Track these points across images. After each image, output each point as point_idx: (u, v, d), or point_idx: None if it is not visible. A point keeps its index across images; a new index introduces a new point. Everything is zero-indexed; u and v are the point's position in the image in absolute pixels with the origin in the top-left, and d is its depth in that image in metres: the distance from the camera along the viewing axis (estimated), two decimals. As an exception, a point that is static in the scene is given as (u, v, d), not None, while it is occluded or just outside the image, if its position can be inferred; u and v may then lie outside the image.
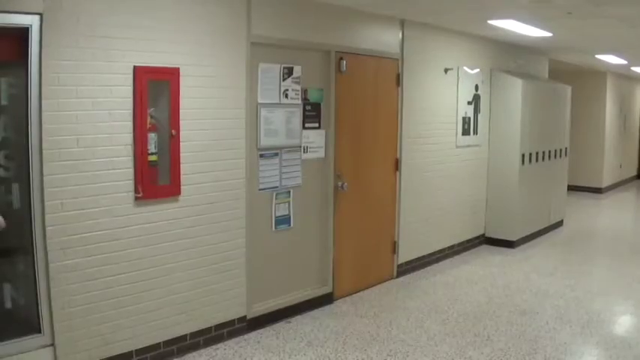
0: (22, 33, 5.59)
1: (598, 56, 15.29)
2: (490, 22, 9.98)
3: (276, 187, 8.07)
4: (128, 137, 6.33)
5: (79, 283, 6.06)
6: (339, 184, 8.84)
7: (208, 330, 7.32)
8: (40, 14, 5.63)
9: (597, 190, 19.94)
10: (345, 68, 8.68)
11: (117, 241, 6.32)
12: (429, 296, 9.33)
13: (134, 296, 6.53)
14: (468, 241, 12.13)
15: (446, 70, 10.95)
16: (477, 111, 11.99)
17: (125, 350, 6.52)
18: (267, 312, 8.02)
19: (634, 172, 24.24)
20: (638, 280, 10.32)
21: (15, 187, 5.98)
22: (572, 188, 17.78)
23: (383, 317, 8.43)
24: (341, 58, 8.67)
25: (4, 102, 5.90)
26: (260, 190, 7.86)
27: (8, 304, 6.05)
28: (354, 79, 8.96)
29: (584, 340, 7.80)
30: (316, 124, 8.49)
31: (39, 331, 5.91)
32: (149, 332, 6.72)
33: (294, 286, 8.45)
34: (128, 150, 6.34)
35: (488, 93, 12.34)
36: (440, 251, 11.22)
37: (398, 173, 10.05)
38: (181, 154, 6.80)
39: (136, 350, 6.63)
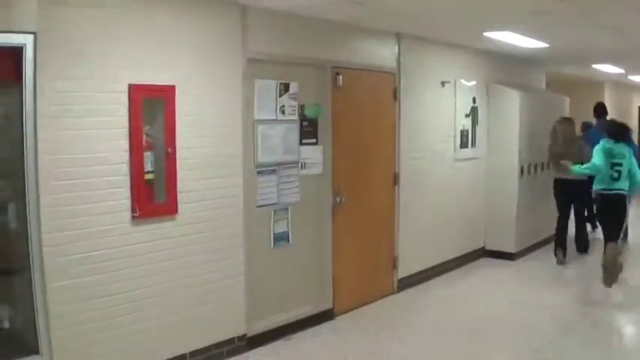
0: (17, 52, 5.56)
1: (595, 66, 15.30)
2: (486, 34, 9.97)
3: (275, 203, 8.03)
4: (124, 156, 6.29)
5: (77, 303, 6.01)
6: (338, 199, 8.81)
7: (208, 349, 7.27)
8: (34, 33, 5.60)
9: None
10: (341, 83, 8.65)
11: (114, 260, 6.28)
12: (429, 311, 9.29)
13: (133, 316, 6.48)
14: (468, 254, 12.08)
15: (443, 83, 10.93)
16: (474, 123, 11.96)
17: (125, 370, 6.49)
18: (267, 330, 7.96)
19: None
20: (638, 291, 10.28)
21: (11, 207, 5.98)
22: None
23: (384, 333, 8.39)
24: (337, 73, 8.64)
25: (-1, 122, 5.89)
26: (258, 207, 7.82)
27: (6, 325, 6.03)
28: (350, 94, 8.93)
29: (587, 352, 7.76)
30: (314, 140, 8.47)
31: (37, 351, 5.85)
32: (148, 352, 6.68)
33: (294, 303, 8.40)
34: (124, 169, 6.31)
35: (486, 105, 12.32)
36: (440, 265, 11.16)
37: (396, 187, 10.01)
38: (178, 172, 6.77)
39: (136, 370, 6.59)
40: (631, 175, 10.13)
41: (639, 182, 10.19)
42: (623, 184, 10.13)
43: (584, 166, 10.34)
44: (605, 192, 10.25)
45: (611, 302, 9.71)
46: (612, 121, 11.75)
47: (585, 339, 8.15)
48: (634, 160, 10.27)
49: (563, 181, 11.99)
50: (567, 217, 12.32)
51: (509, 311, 9.25)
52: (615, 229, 10.15)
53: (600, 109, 14.43)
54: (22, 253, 5.77)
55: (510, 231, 12.33)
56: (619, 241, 10.27)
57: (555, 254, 12.14)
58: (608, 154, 10.15)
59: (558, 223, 12.25)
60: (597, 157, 10.14)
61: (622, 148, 10.25)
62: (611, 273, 9.76)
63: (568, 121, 12.57)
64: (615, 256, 9.84)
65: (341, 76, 8.67)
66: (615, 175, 10.11)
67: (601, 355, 7.73)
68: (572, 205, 12.32)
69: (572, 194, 12.10)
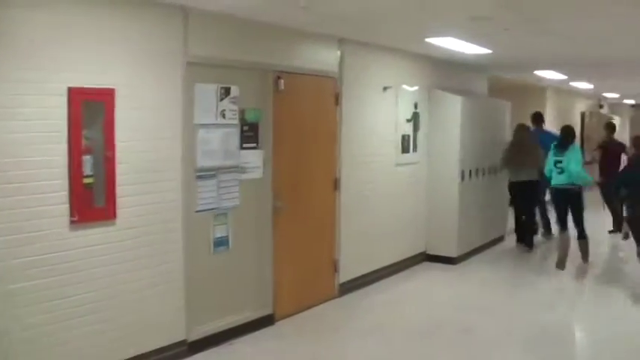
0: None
1: (537, 72, 15.46)
2: (428, 39, 10.01)
3: (214, 208, 7.99)
4: (63, 160, 6.23)
5: (30, 306, 6.01)
6: (278, 203, 8.76)
7: (148, 355, 7.21)
8: (-29, 35, 5.55)
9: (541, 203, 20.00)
10: (282, 87, 8.63)
11: (55, 265, 6.21)
12: (371, 315, 9.31)
13: (75, 321, 6.42)
14: (410, 258, 12.12)
15: (385, 89, 10.95)
16: (416, 128, 12.01)
17: (62, 378, 6.43)
18: (207, 335, 7.92)
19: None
20: (582, 292, 10.39)
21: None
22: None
23: (325, 338, 8.41)
24: (279, 77, 8.62)
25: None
26: (197, 211, 7.78)
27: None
28: (292, 98, 8.92)
29: (527, 357, 7.83)
30: (254, 145, 8.43)
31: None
32: (88, 358, 6.61)
33: (235, 308, 8.36)
34: (63, 173, 6.24)
35: (428, 110, 12.37)
36: (382, 269, 11.18)
37: (337, 192, 10.02)
38: (117, 176, 6.71)
39: (74, 377, 6.53)
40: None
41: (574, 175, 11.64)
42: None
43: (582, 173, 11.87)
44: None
45: (553, 304, 9.82)
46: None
47: (527, 342, 8.20)
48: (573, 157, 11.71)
49: (518, 184, 13.50)
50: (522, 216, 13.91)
51: (452, 315, 9.31)
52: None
53: (539, 118, 15.41)
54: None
55: (451, 235, 12.41)
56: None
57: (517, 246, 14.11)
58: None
59: (516, 221, 14.08)
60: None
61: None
62: (562, 258, 12.01)
63: (524, 128, 13.84)
64: (565, 243, 12.12)
65: (282, 80, 8.64)
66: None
67: (543, 358, 7.81)
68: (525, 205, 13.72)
69: (525, 194, 13.61)
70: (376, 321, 9.00)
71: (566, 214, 11.95)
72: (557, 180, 11.86)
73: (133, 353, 7.05)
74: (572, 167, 11.56)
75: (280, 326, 8.80)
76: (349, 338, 8.41)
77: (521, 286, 11.04)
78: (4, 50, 5.73)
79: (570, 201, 11.83)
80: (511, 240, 14.27)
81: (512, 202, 14.32)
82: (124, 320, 6.93)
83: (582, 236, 12.10)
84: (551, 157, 12.04)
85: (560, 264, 11.91)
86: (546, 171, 12.22)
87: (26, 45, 5.89)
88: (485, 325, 8.80)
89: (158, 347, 7.32)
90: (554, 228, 13.31)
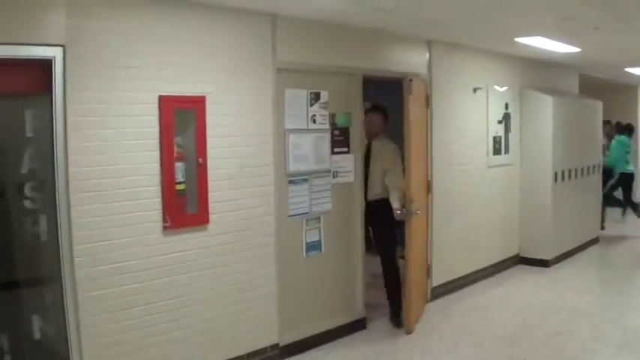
0: (47, 65, 5.59)
1: (628, 69, 15.19)
2: (517, 39, 9.91)
3: (306, 212, 8.02)
4: (155, 167, 6.32)
5: (108, 313, 6.03)
6: (415, 209, 8.67)
7: (240, 358, 7.26)
8: (63, 46, 5.64)
9: (633, 205, 19.67)
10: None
11: (145, 271, 6.30)
12: (463, 319, 9.22)
13: (164, 326, 6.49)
14: (503, 261, 11.99)
15: (475, 90, 10.86)
16: (507, 130, 11.89)
17: (157, 381, 6.50)
18: (299, 339, 7.94)
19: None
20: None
21: (42, 218, 6.01)
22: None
23: (417, 342, 8.35)
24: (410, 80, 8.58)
25: (29, 134, 5.94)
26: (290, 216, 7.82)
27: (37, 335, 6.05)
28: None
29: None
30: (345, 149, 8.45)
31: (68, 363, 5.88)
32: (179, 364, 6.69)
33: (327, 312, 8.37)
34: (155, 179, 6.33)
35: (519, 111, 12.24)
36: (474, 273, 11.09)
37: (430, 195, 9.96)
38: (209, 183, 6.78)
39: (168, 380, 6.60)
40: None
41: None
42: None
43: None
44: None
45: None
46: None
47: (620, 347, 8.06)
48: None
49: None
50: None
51: (544, 318, 9.16)
52: None
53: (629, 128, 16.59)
54: (53, 264, 5.79)
55: (545, 238, 12.23)
56: None
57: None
58: None
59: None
60: None
61: None
62: None
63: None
64: None
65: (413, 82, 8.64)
66: None
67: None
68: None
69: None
70: (468, 325, 8.91)
71: None
72: None
73: (225, 356, 7.11)
74: None
75: (372, 330, 8.76)
76: (440, 342, 8.33)
77: (615, 289, 10.86)
78: (92, 60, 5.84)
79: None
80: (604, 242, 14.08)
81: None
82: (217, 324, 6.99)
83: None
84: None
85: None
86: None
87: (115, 55, 5.99)
88: (578, 329, 8.64)
89: (250, 351, 7.36)
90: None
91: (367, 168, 8.89)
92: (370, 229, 9.10)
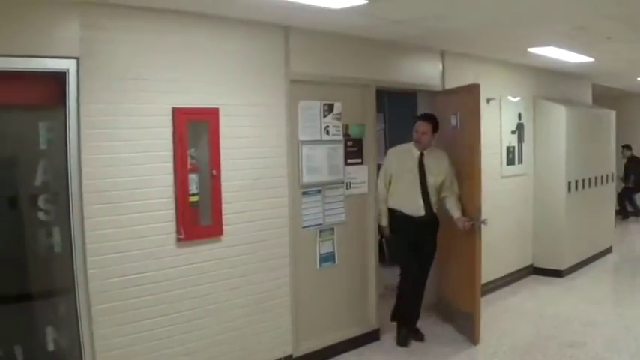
0: (60, 77, 5.62)
1: (640, 79, 15.20)
2: (530, 49, 9.90)
3: (320, 224, 8.03)
4: (169, 179, 6.33)
5: (121, 325, 6.05)
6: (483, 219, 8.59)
7: (254, 369, 7.27)
8: (77, 58, 5.67)
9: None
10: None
11: (159, 282, 6.31)
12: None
13: (178, 337, 6.50)
14: (517, 271, 11.96)
15: (488, 100, 10.82)
16: (520, 140, 11.87)
17: (170, 392, 6.50)
18: (313, 350, 7.95)
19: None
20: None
21: (56, 230, 6.01)
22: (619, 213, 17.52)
23: (431, 351, 8.33)
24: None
25: (43, 146, 5.93)
26: (304, 227, 7.83)
27: (51, 347, 6.04)
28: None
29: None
30: (359, 160, 8.46)
31: (82, 374, 5.88)
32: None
33: (341, 323, 8.37)
34: (169, 191, 6.35)
35: (532, 121, 12.22)
36: (489, 283, 11.00)
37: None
38: (223, 194, 6.79)
39: (181, 392, 6.60)
40: None
41: None
42: None
43: None
44: None
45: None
46: None
47: (633, 357, 8.03)
48: None
49: None
50: None
51: (557, 329, 9.13)
52: None
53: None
54: (67, 275, 5.81)
55: (559, 248, 12.20)
56: None
57: None
58: None
59: None
60: None
61: None
62: None
63: None
64: None
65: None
66: None
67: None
68: None
69: None
70: (482, 335, 8.79)
71: None
72: None
73: (238, 368, 7.12)
74: None
75: (386, 341, 8.74)
76: (453, 353, 8.31)
77: (629, 300, 10.81)
78: (105, 72, 5.88)
79: None
80: (617, 251, 14.04)
81: None
82: (231, 336, 7.00)
83: None
84: None
85: None
86: None
87: (128, 67, 6.03)
88: (591, 340, 8.60)
89: (265, 362, 7.38)
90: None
91: (423, 182, 8.50)
92: (411, 241, 8.50)
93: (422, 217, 8.46)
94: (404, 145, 8.74)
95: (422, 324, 8.86)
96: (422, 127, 8.48)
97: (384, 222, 8.59)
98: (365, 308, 8.72)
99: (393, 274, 8.97)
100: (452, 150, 8.80)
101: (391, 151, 8.86)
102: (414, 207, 8.47)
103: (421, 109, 9.70)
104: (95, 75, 5.78)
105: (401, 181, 8.50)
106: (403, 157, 8.59)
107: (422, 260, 8.60)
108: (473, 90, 8.50)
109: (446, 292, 9.61)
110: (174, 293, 6.44)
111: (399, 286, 8.74)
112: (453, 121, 9.09)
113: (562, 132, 12.03)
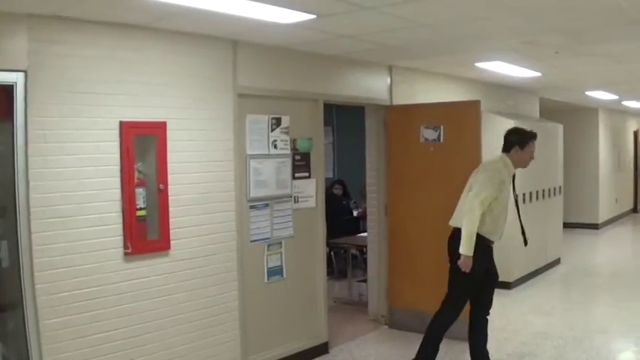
0: (7, 90, 5.60)
1: (588, 93, 15.36)
2: (477, 64, 10.01)
3: (268, 238, 8.04)
4: (116, 193, 6.32)
5: (70, 340, 6.01)
6: None
7: (203, 384, 7.27)
8: (25, 71, 5.66)
9: (594, 226, 19.91)
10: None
11: (107, 297, 6.28)
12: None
13: (126, 352, 6.47)
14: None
15: (436, 114, 10.91)
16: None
17: (118, 408, 6.47)
18: (263, 364, 7.96)
19: (630, 206, 24.23)
20: (637, 317, 10.26)
21: (3, 244, 5.98)
22: (568, 225, 17.69)
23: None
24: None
25: (-11, 159, 5.90)
26: (252, 241, 7.84)
27: (0, 362, 6.03)
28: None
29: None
30: (306, 174, 8.50)
31: (30, 389, 5.85)
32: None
33: (290, 336, 8.39)
34: (117, 205, 6.33)
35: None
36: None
37: (387, 218, 10.04)
38: (170, 208, 6.79)
39: (130, 408, 6.58)
40: None
41: None
42: None
43: None
44: None
45: (606, 328, 9.70)
46: None
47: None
48: None
49: None
50: None
51: (507, 340, 9.21)
52: None
53: None
54: (14, 290, 5.78)
55: (508, 260, 12.08)
56: None
57: None
58: None
59: None
60: None
61: None
62: None
63: None
64: None
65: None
66: None
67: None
68: None
69: None
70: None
71: None
72: None
73: (187, 383, 7.11)
74: None
75: (334, 354, 8.79)
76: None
77: (578, 310, 10.93)
78: (54, 86, 5.87)
79: None
80: (565, 262, 14.18)
81: None
82: (179, 350, 6.98)
83: None
84: None
85: None
86: None
87: (76, 81, 6.02)
88: (541, 351, 8.70)
89: (213, 377, 7.37)
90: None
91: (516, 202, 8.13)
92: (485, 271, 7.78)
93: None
94: (498, 162, 7.77)
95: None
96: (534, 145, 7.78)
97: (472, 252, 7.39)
98: (314, 321, 8.75)
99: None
100: (432, 162, 9.19)
101: (494, 169, 7.70)
102: (501, 231, 7.86)
103: (369, 122, 9.78)
104: (43, 88, 5.77)
105: (499, 204, 7.57)
106: (507, 178, 7.72)
107: (491, 290, 8.03)
108: (470, 106, 8.99)
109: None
110: (123, 308, 6.42)
111: (437, 326, 7.82)
112: (430, 135, 9.19)
113: (509, 145, 12.11)
